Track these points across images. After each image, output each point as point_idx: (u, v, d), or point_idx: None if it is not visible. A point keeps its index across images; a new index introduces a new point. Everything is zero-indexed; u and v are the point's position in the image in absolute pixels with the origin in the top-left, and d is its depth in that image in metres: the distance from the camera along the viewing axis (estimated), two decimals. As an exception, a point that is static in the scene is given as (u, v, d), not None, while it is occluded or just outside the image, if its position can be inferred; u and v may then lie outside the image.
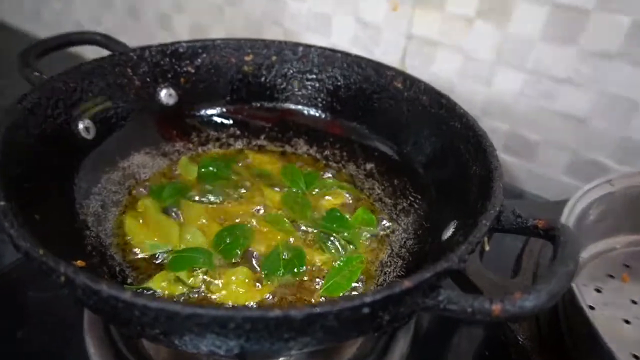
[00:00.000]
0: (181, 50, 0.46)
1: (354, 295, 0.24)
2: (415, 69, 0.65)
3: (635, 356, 0.33)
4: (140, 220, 0.38)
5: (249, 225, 0.39)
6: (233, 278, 0.34)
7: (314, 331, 0.24)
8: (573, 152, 0.59)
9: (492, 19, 0.57)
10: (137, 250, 0.36)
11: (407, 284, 0.24)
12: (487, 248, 0.41)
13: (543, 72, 0.57)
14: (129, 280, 0.34)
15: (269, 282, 0.35)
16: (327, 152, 0.48)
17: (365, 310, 0.23)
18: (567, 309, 0.31)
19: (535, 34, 0.56)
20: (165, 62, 0.46)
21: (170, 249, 0.37)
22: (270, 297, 0.34)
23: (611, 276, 0.39)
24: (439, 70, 0.63)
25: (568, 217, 0.35)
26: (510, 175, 0.64)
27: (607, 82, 0.54)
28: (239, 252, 0.37)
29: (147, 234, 0.37)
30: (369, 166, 0.46)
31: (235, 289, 0.34)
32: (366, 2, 0.65)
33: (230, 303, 0.33)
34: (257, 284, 0.35)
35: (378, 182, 0.45)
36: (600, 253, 0.41)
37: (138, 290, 0.33)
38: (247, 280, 0.34)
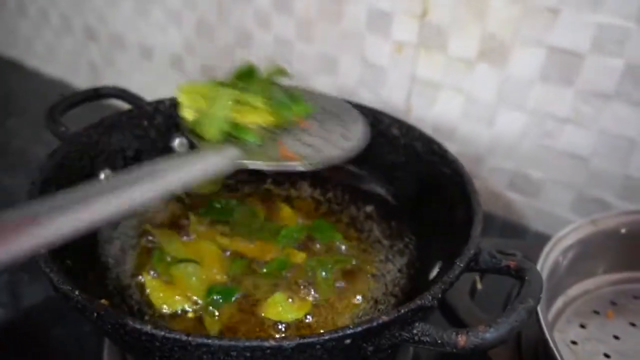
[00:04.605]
0: (193, 102, 0.54)
1: (338, 328, 0.30)
2: (420, 109, 0.73)
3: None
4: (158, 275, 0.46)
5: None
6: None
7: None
8: (575, 190, 0.65)
9: (492, 61, 0.65)
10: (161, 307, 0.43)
11: (384, 318, 0.31)
12: (479, 287, 0.48)
13: (544, 111, 0.64)
14: (146, 317, 0.42)
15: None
16: (329, 195, 0.55)
17: (348, 341, 0.30)
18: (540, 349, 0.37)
19: (534, 75, 0.63)
20: (177, 114, 0.54)
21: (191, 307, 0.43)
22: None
23: (597, 312, 0.45)
24: (442, 110, 0.71)
25: (547, 257, 0.41)
26: (515, 213, 0.70)
27: (606, 121, 0.60)
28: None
29: (166, 291, 0.44)
30: (368, 209, 0.53)
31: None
32: (371, 44, 0.73)
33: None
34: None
35: (377, 223, 0.52)
36: (588, 291, 0.47)
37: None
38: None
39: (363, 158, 0.55)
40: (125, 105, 0.56)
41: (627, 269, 0.47)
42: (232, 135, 0.44)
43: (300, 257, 0.48)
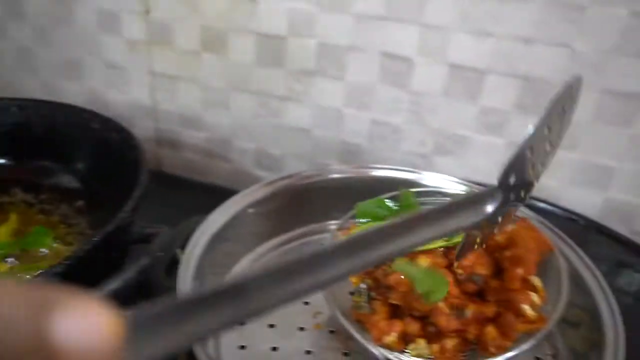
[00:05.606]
0: None
1: None
2: (165, 102, 0.75)
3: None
4: None
5: None
6: None
7: None
8: (308, 160, 0.72)
9: (214, 50, 0.69)
10: None
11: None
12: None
13: (266, 92, 0.69)
14: None
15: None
16: (42, 196, 0.56)
17: None
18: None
19: (250, 59, 0.68)
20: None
21: None
22: None
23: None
24: (185, 101, 0.74)
25: (211, 222, 0.45)
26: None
27: (316, 95, 0.67)
28: None
29: None
30: (78, 203, 0.55)
31: None
32: (107, 44, 0.74)
33: None
34: None
35: (84, 215, 0.54)
36: (280, 244, 0.52)
37: None
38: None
39: (66, 155, 0.57)
40: None
41: (306, 223, 0.54)
42: None
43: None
